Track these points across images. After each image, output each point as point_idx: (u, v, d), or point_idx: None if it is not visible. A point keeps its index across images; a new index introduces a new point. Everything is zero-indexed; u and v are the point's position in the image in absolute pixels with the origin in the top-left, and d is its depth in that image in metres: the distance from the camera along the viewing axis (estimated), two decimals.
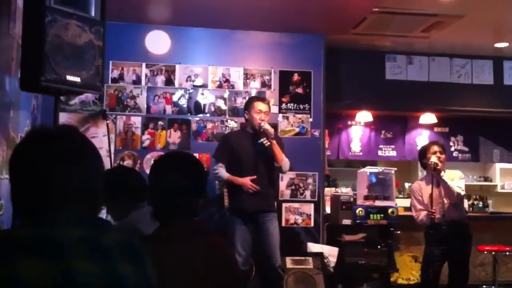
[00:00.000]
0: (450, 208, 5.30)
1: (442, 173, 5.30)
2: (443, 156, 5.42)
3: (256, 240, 5.16)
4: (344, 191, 6.73)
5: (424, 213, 5.36)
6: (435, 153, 5.40)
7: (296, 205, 6.19)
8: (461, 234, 5.30)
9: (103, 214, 3.52)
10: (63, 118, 5.61)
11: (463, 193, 5.35)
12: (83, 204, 1.37)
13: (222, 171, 5.23)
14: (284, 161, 5.25)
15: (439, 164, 5.29)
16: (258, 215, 5.14)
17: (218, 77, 6.28)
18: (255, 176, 5.12)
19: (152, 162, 5.85)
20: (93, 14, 3.41)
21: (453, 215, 5.30)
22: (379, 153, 8.14)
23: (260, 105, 5.26)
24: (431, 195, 5.27)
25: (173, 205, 2.00)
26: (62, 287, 1.19)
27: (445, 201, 5.29)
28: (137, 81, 6.13)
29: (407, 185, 9.29)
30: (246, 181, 5.11)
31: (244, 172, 5.17)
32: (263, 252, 5.17)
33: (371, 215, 6.03)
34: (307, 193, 6.25)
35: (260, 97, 5.71)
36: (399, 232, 6.31)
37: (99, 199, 1.43)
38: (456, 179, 5.40)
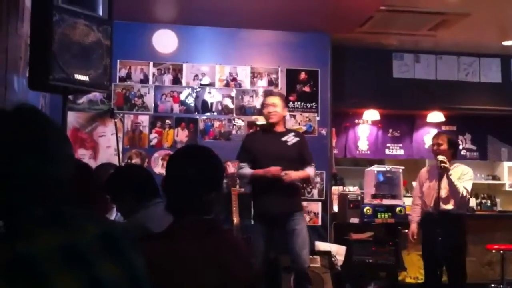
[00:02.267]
0: (444, 200, 5.34)
1: (450, 172, 5.30)
2: (441, 148, 5.42)
3: (284, 241, 5.00)
4: (352, 189, 6.73)
5: (413, 223, 5.60)
6: (433, 145, 5.52)
7: (303, 203, 6.20)
8: (451, 227, 5.27)
9: (114, 212, 3.55)
10: (71, 117, 5.64)
11: (467, 195, 5.36)
12: (54, 199, 1.24)
13: (246, 169, 5.06)
14: (311, 176, 5.15)
15: (446, 163, 5.28)
16: (284, 217, 4.94)
17: (225, 75, 6.29)
18: (279, 168, 4.85)
19: (164, 158, 5.93)
20: (100, 13, 3.43)
21: (445, 207, 5.33)
22: (387, 151, 8.12)
23: (267, 99, 5.18)
24: (428, 189, 5.48)
25: (186, 199, 1.94)
26: None
27: (441, 193, 5.34)
28: (144, 80, 6.15)
29: (414, 183, 9.26)
30: (268, 168, 4.87)
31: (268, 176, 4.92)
32: (290, 253, 5.01)
33: (379, 213, 6.03)
34: (315, 192, 6.25)
35: (268, 91, 5.72)
36: (407, 230, 6.28)
37: (66, 189, 1.28)
38: (465, 178, 5.38)
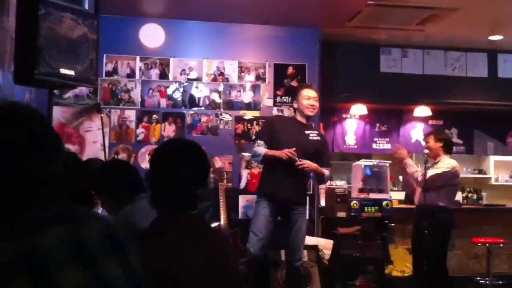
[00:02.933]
0: (422, 194, 5.56)
1: (406, 160, 5.82)
2: (428, 145, 5.79)
3: (284, 231, 4.98)
4: (339, 184, 6.74)
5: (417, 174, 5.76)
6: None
7: None
8: (430, 220, 5.43)
9: (99, 209, 3.52)
10: (57, 111, 5.60)
11: (431, 173, 5.58)
12: (55, 197, 1.25)
13: (260, 148, 4.93)
14: (326, 176, 5.13)
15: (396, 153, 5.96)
16: (289, 205, 4.91)
17: (212, 70, 6.27)
18: (294, 149, 4.74)
19: (150, 153, 5.89)
20: (87, 7, 3.41)
21: (422, 200, 5.53)
22: (374, 146, 8.15)
23: (308, 91, 5.05)
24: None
25: (172, 195, 1.93)
26: None
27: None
28: (131, 75, 6.11)
29: (401, 178, 9.31)
30: (283, 150, 4.73)
31: (287, 163, 4.77)
32: (289, 245, 4.99)
33: (366, 207, 6.04)
34: None
35: (307, 84, 5.54)
36: (393, 224, 6.32)
37: (66, 188, 1.29)
38: (439, 166, 5.68)
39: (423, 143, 5.98)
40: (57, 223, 1.20)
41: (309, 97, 5.01)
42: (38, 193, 1.22)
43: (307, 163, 4.79)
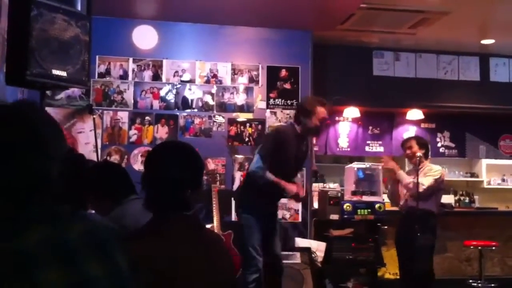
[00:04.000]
0: (410, 198, 5.62)
1: (399, 172, 5.83)
2: (413, 150, 5.68)
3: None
4: (332, 186, 6.75)
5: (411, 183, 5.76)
6: (405, 150, 5.83)
7: (283, 200, 6.18)
8: (422, 224, 5.44)
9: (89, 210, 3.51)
10: (49, 112, 5.57)
11: (425, 184, 5.53)
12: (44, 196, 1.23)
13: (269, 174, 4.62)
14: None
15: (386, 165, 6.00)
16: (272, 215, 4.96)
17: (205, 72, 6.27)
18: (294, 183, 4.76)
19: (143, 155, 5.88)
20: (79, 8, 3.40)
21: (411, 204, 5.56)
22: (367, 149, 8.16)
23: (324, 112, 4.73)
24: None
25: (167, 197, 1.93)
26: None
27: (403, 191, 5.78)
28: (124, 76, 6.11)
29: (389, 187, 9.31)
30: (293, 188, 4.65)
31: (283, 177, 4.67)
32: (270, 246, 4.90)
33: (359, 210, 6.05)
34: None
35: (321, 101, 4.85)
36: (386, 227, 6.32)
37: (59, 187, 1.27)
38: (428, 174, 5.64)
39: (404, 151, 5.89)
40: (40, 223, 1.19)
41: (324, 118, 4.75)
42: (28, 193, 1.21)
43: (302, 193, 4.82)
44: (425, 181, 5.52)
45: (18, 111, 1.27)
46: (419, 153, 5.58)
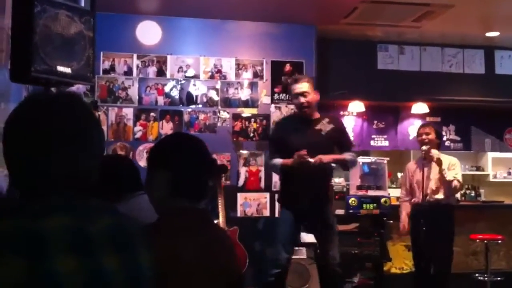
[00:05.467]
0: (434, 191, 5.48)
1: (443, 166, 5.41)
2: (430, 137, 5.54)
3: (314, 234, 4.83)
4: (337, 181, 6.74)
5: (403, 213, 5.76)
6: (421, 135, 5.59)
7: None
8: (440, 217, 5.42)
9: None
10: None
11: (461, 180, 5.48)
12: (77, 189, 1.26)
13: (275, 159, 4.64)
14: (350, 161, 4.70)
15: (430, 152, 5.40)
16: (312, 209, 4.61)
17: (210, 67, 6.26)
18: (305, 151, 4.38)
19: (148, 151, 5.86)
20: (82, 4, 3.39)
21: (435, 197, 5.46)
22: (372, 143, 8.15)
23: (295, 87, 4.63)
24: (418, 181, 5.59)
25: (177, 189, 1.90)
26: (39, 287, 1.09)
27: (429, 183, 5.48)
28: (128, 72, 6.10)
29: (399, 175, 9.30)
30: (294, 156, 4.43)
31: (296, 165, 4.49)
32: (319, 248, 4.80)
33: (364, 205, 6.04)
34: None
35: (295, 78, 4.81)
36: (392, 221, 6.31)
37: (94, 182, 1.31)
38: (456, 169, 5.51)
39: (418, 136, 5.69)
40: (65, 212, 1.21)
41: (296, 94, 4.62)
42: (65, 182, 1.24)
43: (321, 158, 4.43)
44: (460, 176, 5.46)
45: (63, 103, 1.29)
46: (425, 147, 5.47)
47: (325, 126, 4.65)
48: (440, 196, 5.47)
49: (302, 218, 4.70)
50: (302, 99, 4.59)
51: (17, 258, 1.09)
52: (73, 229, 1.19)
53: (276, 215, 5.12)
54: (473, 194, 9.07)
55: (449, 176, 5.41)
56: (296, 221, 4.67)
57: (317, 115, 4.75)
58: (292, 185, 4.63)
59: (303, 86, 4.61)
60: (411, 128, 8.10)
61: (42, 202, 1.20)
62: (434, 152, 5.45)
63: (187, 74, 6.22)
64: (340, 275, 4.72)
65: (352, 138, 7.94)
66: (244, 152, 6.22)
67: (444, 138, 8.21)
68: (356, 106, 7.73)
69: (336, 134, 4.66)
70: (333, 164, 4.66)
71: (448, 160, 5.55)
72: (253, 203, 6.19)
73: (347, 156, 4.65)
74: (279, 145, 4.68)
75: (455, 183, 5.41)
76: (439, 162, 5.41)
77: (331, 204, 4.88)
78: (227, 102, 6.26)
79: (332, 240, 4.69)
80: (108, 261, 1.22)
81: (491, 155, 9.43)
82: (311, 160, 4.41)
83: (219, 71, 6.28)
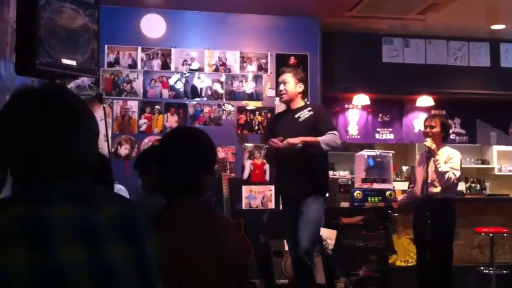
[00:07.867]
0: (431, 184, 5.42)
1: (437, 157, 5.39)
2: (434, 130, 5.49)
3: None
4: (342, 174, 6.74)
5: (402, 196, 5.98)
6: (426, 128, 5.56)
7: None
8: (438, 211, 5.36)
9: None
10: None
11: (458, 173, 5.40)
12: (78, 177, 1.26)
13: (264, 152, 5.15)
14: (324, 140, 4.60)
15: (432, 147, 5.37)
16: (298, 199, 4.66)
17: (214, 60, 6.26)
18: (281, 138, 4.57)
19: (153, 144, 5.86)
20: None
21: (432, 191, 5.40)
22: (377, 136, 8.13)
23: (280, 78, 4.94)
24: (418, 174, 5.63)
25: (182, 182, 1.92)
26: (43, 278, 1.10)
27: (428, 176, 5.41)
28: (133, 65, 6.11)
29: (404, 168, 9.31)
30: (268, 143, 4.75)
31: (279, 152, 4.67)
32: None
33: (369, 198, 6.04)
34: None
35: (282, 69, 5.04)
36: (397, 214, 6.31)
37: (92, 170, 1.31)
38: (453, 162, 5.44)
39: (424, 128, 5.66)
40: (70, 201, 1.21)
41: (278, 83, 4.98)
42: (64, 171, 1.24)
43: (288, 141, 4.54)
44: (455, 165, 5.41)
45: (54, 94, 1.30)
46: (429, 141, 5.42)
47: (304, 113, 4.77)
48: (436, 190, 5.42)
49: (295, 206, 4.71)
50: (282, 87, 4.84)
51: (20, 247, 1.09)
52: (77, 218, 1.19)
53: (281, 207, 5.13)
54: (478, 187, 9.06)
55: (444, 168, 5.36)
56: (294, 211, 4.70)
57: (300, 104, 4.86)
58: (278, 172, 4.97)
59: (285, 76, 4.85)
60: (416, 121, 8.08)
61: (45, 192, 1.21)
62: (427, 142, 5.40)
63: (192, 67, 6.22)
64: (306, 266, 4.68)
65: (357, 131, 7.97)
66: (249, 145, 6.22)
67: (450, 131, 8.19)
68: (361, 99, 7.71)
69: (312, 121, 4.71)
70: (299, 145, 4.60)
71: (447, 152, 5.50)
72: (258, 196, 6.20)
73: (324, 137, 4.61)
74: (270, 137, 4.84)
75: (449, 174, 5.32)
76: (432, 153, 5.38)
77: (322, 192, 4.81)
78: (232, 95, 6.26)
79: (304, 231, 4.63)
80: (115, 250, 1.22)
81: (496, 148, 9.41)
82: (280, 143, 4.56)
83: (224, 64, 6.28)
